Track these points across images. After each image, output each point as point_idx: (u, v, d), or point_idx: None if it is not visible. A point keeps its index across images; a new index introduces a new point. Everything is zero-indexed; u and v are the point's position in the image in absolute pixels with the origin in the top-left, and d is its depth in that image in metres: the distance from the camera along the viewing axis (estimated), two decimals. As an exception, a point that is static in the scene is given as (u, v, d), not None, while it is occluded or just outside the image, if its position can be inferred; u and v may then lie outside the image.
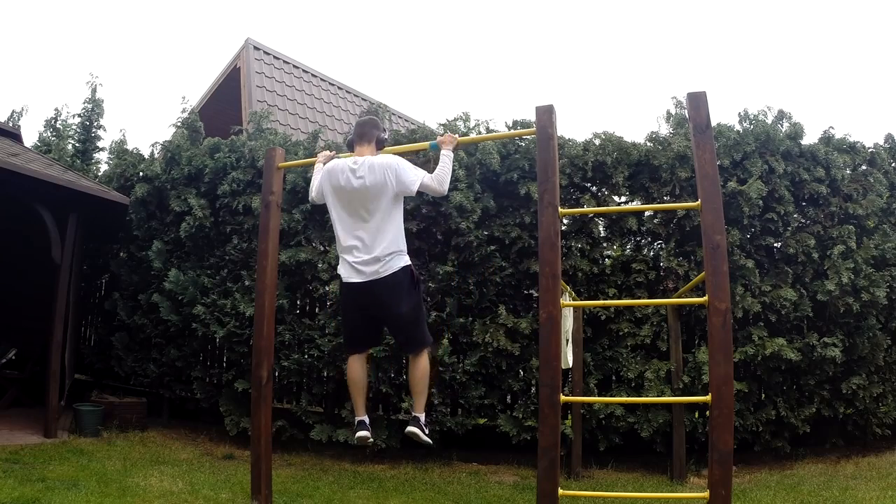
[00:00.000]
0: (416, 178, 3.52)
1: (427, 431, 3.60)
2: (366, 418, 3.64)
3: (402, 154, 3.89)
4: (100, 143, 12.89)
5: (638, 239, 6.82)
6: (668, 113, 7.07)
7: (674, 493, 4.99)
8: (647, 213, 6.56)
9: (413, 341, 3.60)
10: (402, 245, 3.57)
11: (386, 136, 3.83)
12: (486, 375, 6.32)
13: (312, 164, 4.09)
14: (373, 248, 3.46)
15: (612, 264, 6.58)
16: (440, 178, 3.54)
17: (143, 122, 31.46)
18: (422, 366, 3.56)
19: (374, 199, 3.47)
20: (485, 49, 48.77)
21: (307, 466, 5.89)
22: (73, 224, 6.54)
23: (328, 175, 3.62)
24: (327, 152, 4.00)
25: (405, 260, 3.55)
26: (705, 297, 3.01)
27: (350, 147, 3.77)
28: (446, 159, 3.60)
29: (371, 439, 3.63)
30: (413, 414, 3.62)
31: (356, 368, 3.68)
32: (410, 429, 3.55)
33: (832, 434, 6.42)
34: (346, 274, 3.55)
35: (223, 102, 11.99)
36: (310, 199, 3.92)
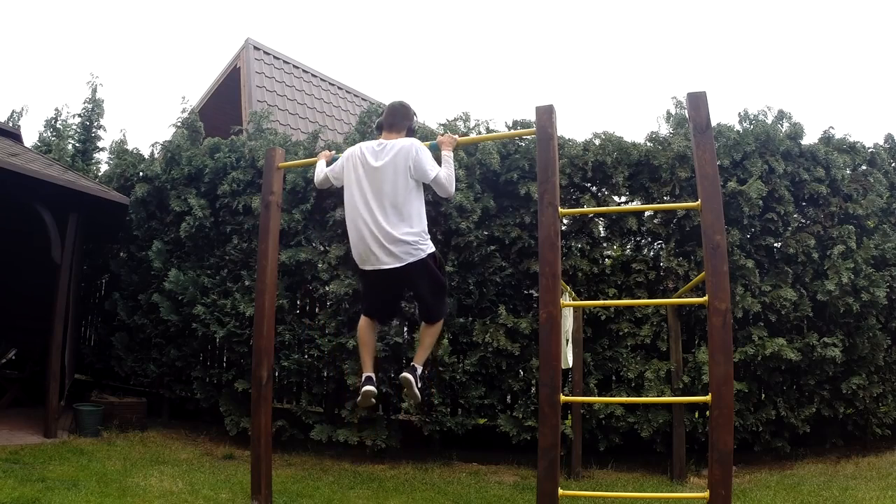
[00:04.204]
0: (433, 168, 3.46)
1: (420, 385, 3.61)
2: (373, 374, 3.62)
3: None
4: (100, 143, 12.89)
5: (638, 239, 6.82)
6: (668, 113, 7.07)
7: (674, 493, 4.98)
8: (647, 213, 6.56)
9: (433, 314, 3.68)
10: (425, 230, 3.51)
11: (416, 127, 3.80)
12: (486, 375, 6.32)
13: (312, 165, 4.25)
14: (394, 231, 3.39)
15: (612, 264, 6.58)
16: (449, 180, 3.51)
17: (143, 122, 31.51)
18: (436, 328, 3.68)
19: (394, 179, 3.42)
20: (485, 49, 48.77)
21: (307, 466, 5.89)
22: (73, 224, 6.53)
23: (350, 157, 3.58)
24: (328, 152, 4.13)
25: (429, 247, 3.50)
26: (705, 297, 3.01)
27: (379, 129, 3.73)
28: (449, 160, 3.56)
29: (375, 394, 3.55)
30: (412, 363, 3.65)
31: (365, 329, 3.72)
32: (405, 375, 3.56)
33: (832, 434, 6.42)
34: (362, 262, 3.47)
35: (223, 102, 11.99)
36: (315, 181, 3.93)
